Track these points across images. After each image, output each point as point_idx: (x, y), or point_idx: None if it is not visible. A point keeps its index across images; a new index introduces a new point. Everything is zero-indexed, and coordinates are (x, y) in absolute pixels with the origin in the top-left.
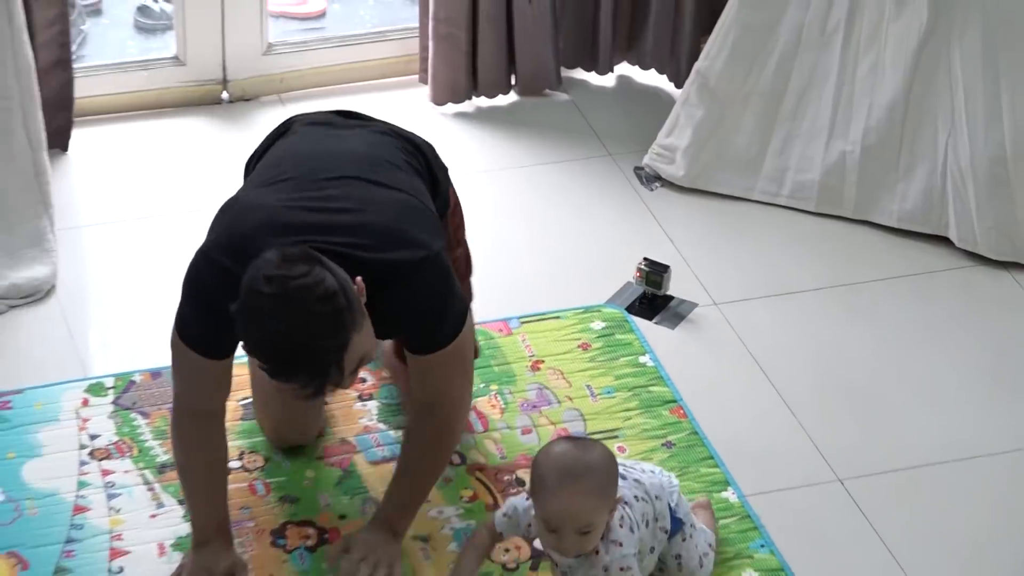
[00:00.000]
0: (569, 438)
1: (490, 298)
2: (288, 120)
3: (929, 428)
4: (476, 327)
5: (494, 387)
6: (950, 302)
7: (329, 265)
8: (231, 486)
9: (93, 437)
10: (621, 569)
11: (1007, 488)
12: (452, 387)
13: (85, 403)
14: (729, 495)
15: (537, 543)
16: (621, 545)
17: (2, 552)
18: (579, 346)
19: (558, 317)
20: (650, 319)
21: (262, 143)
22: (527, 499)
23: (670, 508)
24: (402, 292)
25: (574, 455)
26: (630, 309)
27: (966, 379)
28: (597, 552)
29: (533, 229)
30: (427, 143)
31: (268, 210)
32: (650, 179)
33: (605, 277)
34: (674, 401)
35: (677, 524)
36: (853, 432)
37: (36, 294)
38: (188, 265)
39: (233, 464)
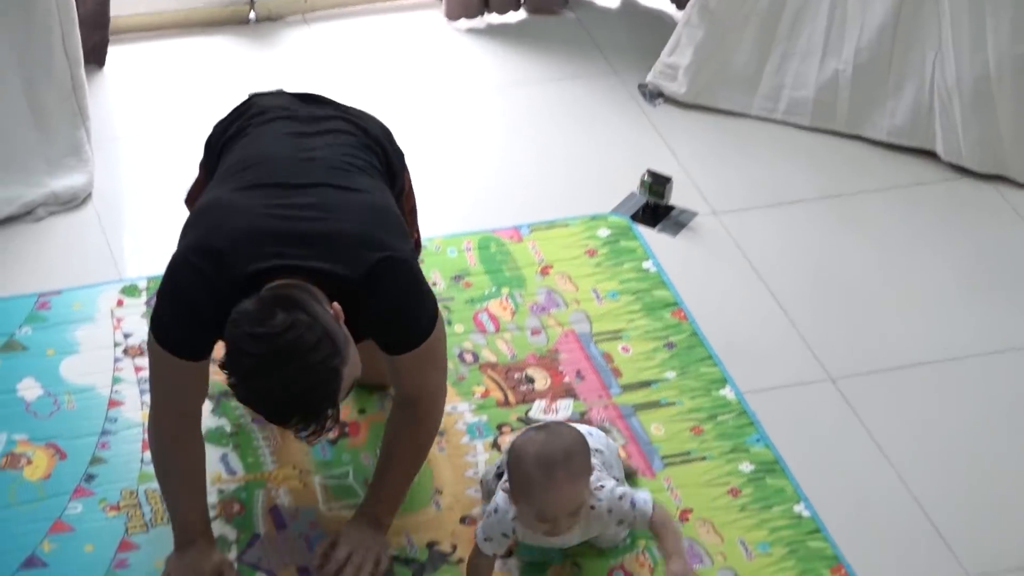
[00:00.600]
0: (535, 429)
1: (501, 206)
2: (247, 103)
3: (916, 330)
4: (491, 234)
5: (505, 290)
6: (937, 212)
7: (306, 304)
8: None
9: (127, 335)
10: (620, 499)
11: (988, 387)
12: (428, 381)
13: (120, 303)
14: (727, 392)
15: (525, 537)
16: (603, 487)
17: (41, 443)
18: (586, 252)
19: (566, 225)
20: (653, 227)
21: (223, 123)
22: (496, 508)
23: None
24: (377, 299)
25: (551, 446)
26: (634, 217)
27: (951, 284)
28: (593, 507)
29: (542, 142)
30: (383, 128)
31: (246, 217)
32: (653, 95)
33: (610, 187)
34: (675, 304)
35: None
36: (845, 334)
37: (73, 201)
38: (166, 268)
39: None
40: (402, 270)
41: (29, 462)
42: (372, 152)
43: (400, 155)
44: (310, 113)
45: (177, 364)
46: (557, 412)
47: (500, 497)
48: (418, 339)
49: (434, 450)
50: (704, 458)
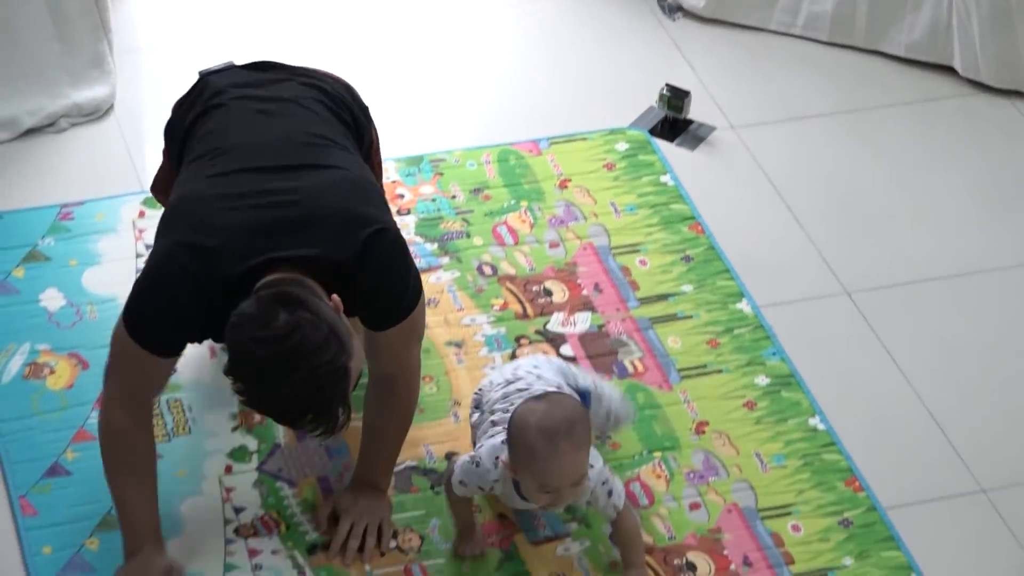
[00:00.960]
0: (536, 399)
1: (521, 120)
2: (200, 83)
3: (930, 245)
4: (509, 147)
5: (524, 203)
6: (953, 128)
7: (308, 301)
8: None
9: (148, 246)
10: (603, 483)
11: (1001, 302)
12: (410, 357)
13: (141, 215)
14: (743, 306)
15: (504, 497)
16: (593, 466)
17: (64, 353)
18: (604, 166)
19: (585, 139)
20: (671, 141)
21: (180, 108)
22: (478, 463)
23: (573, 388)
24: (367, 275)
25: (554, 416)
26: (652, 131)
27: (966, 200)
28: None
29: (560, 55)
30: (344, 85)
31: (231, 211)
32: (672, 9)
33: (629, 102)
34: (692, 218)
35: (585, 394)
36: (860, 248)
37: (96, 113)
38: (147, 262)
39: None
40: (390, 242)
41: (52, 372)
42: (337, 114)
43: (365, 109)
44: (268, 85)
45: (147, 360)
46: (575, 325)
47: (485, 453)
48: (404, 312)
49: (453, 361)
50: (720, 371)
